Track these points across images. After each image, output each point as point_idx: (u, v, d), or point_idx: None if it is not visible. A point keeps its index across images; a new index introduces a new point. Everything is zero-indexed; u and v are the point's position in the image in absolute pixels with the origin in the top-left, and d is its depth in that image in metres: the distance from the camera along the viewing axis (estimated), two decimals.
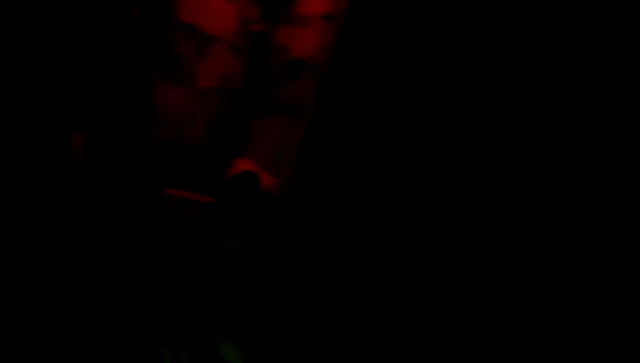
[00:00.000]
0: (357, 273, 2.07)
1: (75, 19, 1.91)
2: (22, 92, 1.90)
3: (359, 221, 2.20)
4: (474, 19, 2.09)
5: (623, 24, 1.98)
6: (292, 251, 2.04)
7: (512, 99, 2.06)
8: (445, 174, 2.10)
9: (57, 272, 1.69)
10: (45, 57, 1.90)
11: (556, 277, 2.03)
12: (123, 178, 1.81)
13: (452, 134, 2.09)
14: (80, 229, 1.74)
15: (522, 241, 2.01)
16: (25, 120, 1.87)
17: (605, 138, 2.03)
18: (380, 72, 2.12)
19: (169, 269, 1.80)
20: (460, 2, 2.08)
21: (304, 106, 2.24)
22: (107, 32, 1.98)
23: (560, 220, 2.02)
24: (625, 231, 2.00)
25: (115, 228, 1.78)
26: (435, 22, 2.10)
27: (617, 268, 2.01)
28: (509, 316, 1.99)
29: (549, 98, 2.03)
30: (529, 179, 2.02)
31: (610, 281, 2.00)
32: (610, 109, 2.03)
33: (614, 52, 2.01)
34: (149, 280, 1.76)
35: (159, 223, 1.86)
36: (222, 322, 1.79)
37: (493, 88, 2.08)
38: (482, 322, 1.97)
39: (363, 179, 2.20)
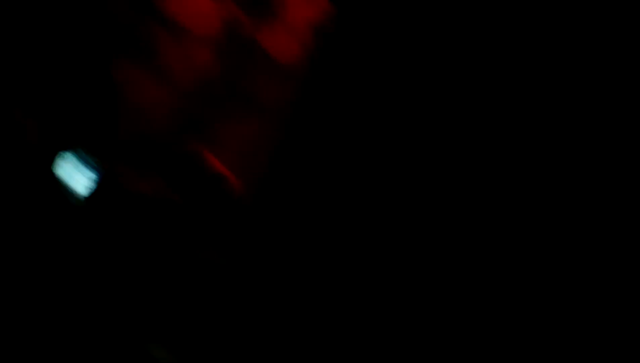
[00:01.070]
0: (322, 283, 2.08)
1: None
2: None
3: (325, 230, 2.20)
4: (458, 39, 2.13)
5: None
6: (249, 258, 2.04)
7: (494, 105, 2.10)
8: (418, 190, 2.12)
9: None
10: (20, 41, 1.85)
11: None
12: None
13: (428, 150, 2.11)
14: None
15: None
16: None
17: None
18: (360, 82, 2.14)
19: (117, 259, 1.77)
20: (443, 21, 2.12)
21: (279, 110, 2.24)
22: (86, 18, 1.95)
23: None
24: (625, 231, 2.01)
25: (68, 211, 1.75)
26: (417, 36, 2.13)
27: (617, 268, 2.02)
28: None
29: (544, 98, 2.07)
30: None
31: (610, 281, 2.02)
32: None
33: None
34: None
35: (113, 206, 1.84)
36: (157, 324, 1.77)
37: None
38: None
39: (331, 190, 2.20)
